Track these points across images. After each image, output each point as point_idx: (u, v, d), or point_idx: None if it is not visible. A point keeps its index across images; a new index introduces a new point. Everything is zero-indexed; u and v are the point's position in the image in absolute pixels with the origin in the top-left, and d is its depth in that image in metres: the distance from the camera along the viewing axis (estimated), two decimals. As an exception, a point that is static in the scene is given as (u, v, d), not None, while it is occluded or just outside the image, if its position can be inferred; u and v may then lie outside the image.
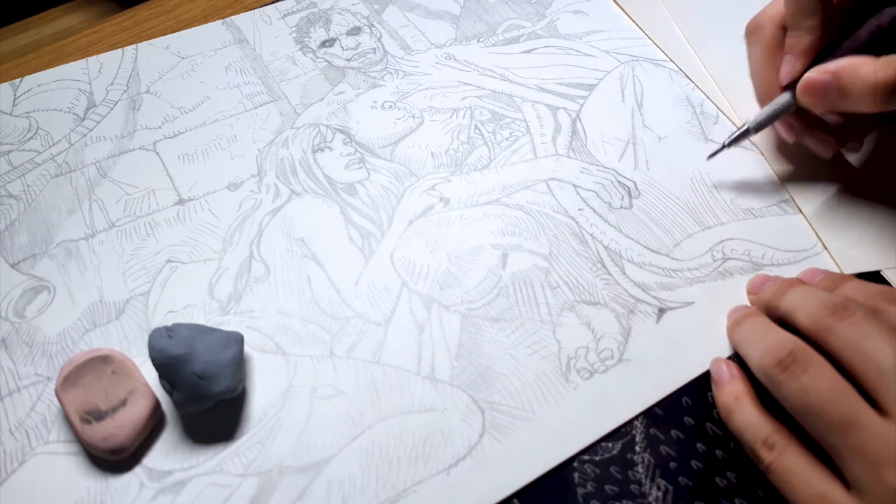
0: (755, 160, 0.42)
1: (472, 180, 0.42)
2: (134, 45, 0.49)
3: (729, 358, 0.34)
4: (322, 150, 0.43)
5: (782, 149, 0.42)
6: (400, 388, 0.33)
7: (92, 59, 0.48)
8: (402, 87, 0.47)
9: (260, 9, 0.52)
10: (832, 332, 0.29)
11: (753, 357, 0.31)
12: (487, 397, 0.33)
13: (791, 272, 0.37)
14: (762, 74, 0.40)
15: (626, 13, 0.52)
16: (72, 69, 0.47)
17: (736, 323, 0.34)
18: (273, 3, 0.53)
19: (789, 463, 0.28)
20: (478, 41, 0.51)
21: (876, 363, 0.27)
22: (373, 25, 0.52)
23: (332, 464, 0.31)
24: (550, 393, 0.33)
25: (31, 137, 0.43)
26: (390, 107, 0.46)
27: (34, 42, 0.53)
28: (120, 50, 0.49)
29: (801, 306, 0.31)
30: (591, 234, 0.39)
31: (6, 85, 0.46)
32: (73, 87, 0.46)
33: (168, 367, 0.30)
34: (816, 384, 0.27)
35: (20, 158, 0.42)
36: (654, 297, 0.36)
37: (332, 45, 0.50)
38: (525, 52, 0.50)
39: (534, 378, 0.33)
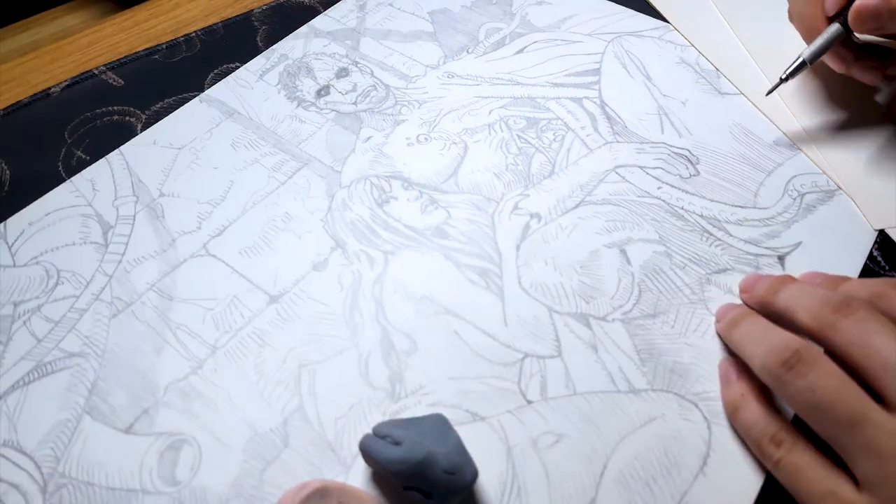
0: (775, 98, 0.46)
1: (548, 189, 0.41)
2: (117, 150, 0.43)
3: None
4: (388, 202, 0.41)
5: (811, 103, 0.45)
6: (611, 410, 0.32)
7: (76, 178, 0.41)
8: (424, 116, 0.45)
9: (231, 75, 0.48)
10: (835, 329, 0.28)
11: (756, 357, 0.30)
12: (692, 389, 0.33)
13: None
14: (806, 10, 0.41)
15: None
16: (60, 195, 0.40)
17: (733, 323, 0.33)
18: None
19: (798, 460, 0.28)
20: (467, 52, 0.50)
21: (882, 359, 0.27)
22: (357, 62, 0.49)
23: (591, 507, 0.30)
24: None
25: (57, 283, 0.37)
26: (426, 139, 0.44)
27: (34, 42, 0.52)
28: (103, 160, 0.42)
29: (801, 304, 0.30)
30: (682, 208, 0.40)
31: (-11, 234, 0.39)
32: (73, 213, 0.40)
33: (416, 475, 0.27)
34: (823, 382, 0.27)
35: (57, 310, 0.36)
36: (767, 248, 0.38)
37: (328, 93, 0.47)
38: (517, 52, 0.50)
39: (718, 358, 0.34)
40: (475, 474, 0.28)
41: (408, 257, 0.38)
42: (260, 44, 0.50)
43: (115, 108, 0.45)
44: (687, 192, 0.41)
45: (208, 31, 0.50)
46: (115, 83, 0.47)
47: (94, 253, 0.38)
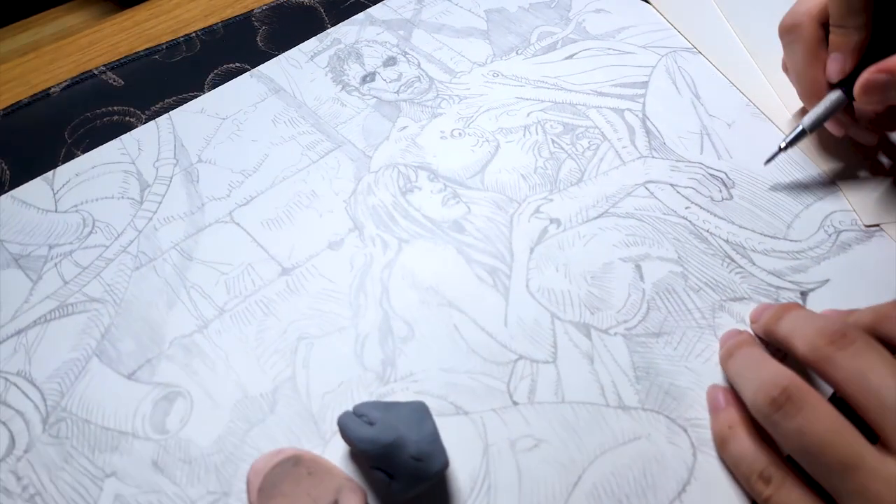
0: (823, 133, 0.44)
1: (572, 196, 0.41)
2: (167, 115, 0.45)
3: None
4: (411, 191, 0.41)
5: (826, 147, 0.43)
6: (596, 423, 0.32)
7: (125, 136, 0.44)
8: (462, 112, 0.46)
9: (284, 54, 0.49)
10: (832, 363, 0.27)
11: (747, 393, 0.29)
12: (683, 414, 0.32)
13: (899, 234, 0.39)
14: (807, 73, 0.40)
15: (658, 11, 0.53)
16: (108, 151, 0.43)
17: (728, 353, 0.32)
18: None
19: (787, 499, 0.27)
20: (517, 53, 0.50)
21: (880, 399, 0.26)
22: (406, 53, 0.50)
23: (560, 517, 0.29)
24: (739, 396, 0.33)
25: (91, 232, 0.39)
26: (460, 135, 0.44)
27: (34, 42, 0.52)
28: (153, 122, 0.44)
29: (798, 333, 0.29)
30: (707, 231, 0.39)
31: (39, 181, 0.41)
32: (116, 169, 0.42)
33: (384, 457, 0.28)
34: (812, 425, 0.26)
35: (86, 257, 0.38)
36: (790, 282, 0.37)
37: (373, 80, 0.48)
38: (567, 58, 0.50)
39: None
40: (444, 465, 0.29)
41: (421, 247, 0.38)
42: (260, 44, 0.50)
43: (115, 108, 0.45)
44: (715, 216, 0.40)
45: (208, 31, 0.50)
46: (115, 83, 0.47)
47: (129, 208, 0.40)
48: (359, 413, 0.29)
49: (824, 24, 0.38)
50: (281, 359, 0.34)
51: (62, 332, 0.35)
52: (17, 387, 0.33)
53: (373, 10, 0.53)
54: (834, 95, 0.39)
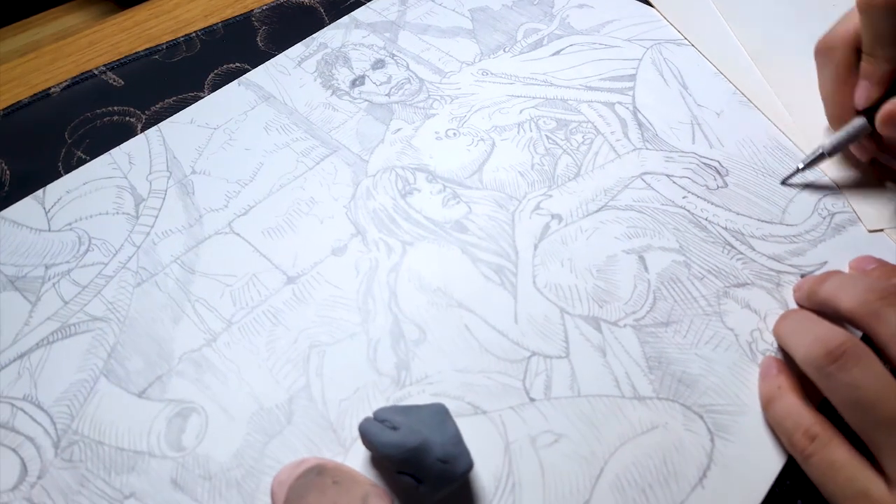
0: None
1: (571, 191, 0.41)
2: (156, 127, 0.44)
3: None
4: (410, 193, 0.41)
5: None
6: (614, 415, 0.32)
7: (115, 151, 0.43)
8: (455, 112, 0.46)
9: (270, 61, 0.49)
10: (879, 318, 0.28)
11: (800, 348, 0.30)
12: (698, 401, 0.33)
13: (890, 213, 0.40)
14: (835, 96, 0.40)
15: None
16: (98, 167, 0.42)
17: (781, 318, 0.34)
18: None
19: (833, 457, 0.28)
20: (504, 51, 0.50)
21: None
22: (394, 55, 0.50)
23: (585, 510, 0.30)
24: (750, 380, 0.33)
25: (88, 250, 0.38)
26: (454, 134, 0.44)
27: (34, 42, 0.52)
28: (142, 135, 0.44)
29: (844, 290, 0.30)
30: (706, 219, 0.40)
31: (30, 200, 0.40)
32: (109, 185, 0.41)
33: (410, 461, 0.28)
34: (867, 379, 0.27)
35: (85, 276, 0.37)
36: (790, 266, 0.38)
37: (363, 84, 0.48)
38: (554, 54, 0.50)
39: (728, 371, 0.34)
40: (469, 466, 0.29)
41: (425, 249, 0.38)
42: (260, 44, 0.50)
43: (115, 108, 0.45)
44: (712, 204, 0.40)
45: (208, 31, 0.50)
46: (115, 83, 0.47)
47: (125, 223, 0.39)
48: (380, 418, 0.29)
49: (858, 50, 0.38)
50: (294, 368, 0.34)
51: (66, 353, 0.34)
52: (25, 412, 0.32)
53: (357, 14, 0.52)
54: (858, 122, 0.39)
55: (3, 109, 0.45)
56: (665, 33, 0.51)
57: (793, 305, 0.36)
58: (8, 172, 0.41)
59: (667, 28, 0.51)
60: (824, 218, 0.40)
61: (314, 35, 0.51)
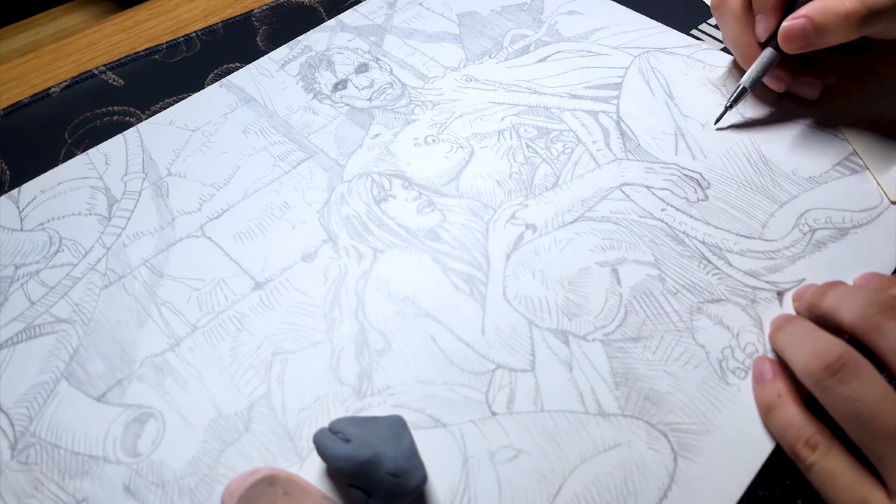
0: (797, 129, 0.44)
1: (548, 201, 0.41)
2: (134, 128, 0.44)
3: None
4: (385, 200, 0.41)
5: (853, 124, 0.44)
6: (576, 431, 0.32)
7: (92, 151, 0.43)
8: (436, 118, 0.45)
9: (253, 63, 0.49)
10: (879, 331, 0.28)
11: (798, 360, 0.30)
12: (663, 419, 0.32)
13: (872, 231, 0.39)
14: (740, 38, 0.43)
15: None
16: (74, 166, 0.42)
17: (778, 327, 0.33)
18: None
19: (833, 465, 0.28)
20: (489, 57, 0.50)
21: None
22: (378, 59, 0.49)
23: (541, 528, 0.29)
24: (718, 400, 0.33)
25: (58, 251, 0.38)
26: (433, 141, 0.44)
27: (34, 42, 0.52)
28: (120, 136, 0.44)
29: (845, 303, 0.30)
30: (683, 233, 0.39)
31: (5, 199, 0.40)
32: (83, 185, 0.41)
33: (360, 474, 0.27)
34: (866, 392, 0.27)
35: (53, 276, 0.37)
36: (767, 282, 0.37)
37: (345, 87, 0.47)
38: (540, 60, 0.49)
39: (696, 389, 0.33)
40: (422, 480, 0.28)
41: (396, 257, 0.38)
42: (260, 44, 0.50)
43: (115, 108, 0.45)
44: (691, 217, 0.40)
45: (208, 31, 0.50)
46: (115, 83, 0.47)
47: (97, 224, 0.39)
48: (334, 430, 0.29)
49: None
50: (255, 375, 0.34)
51: (30, 354, 0.34)
52: (-17, 413, 0.32)
53: (344, 17, 0.52)
54: (766, 53, 0.42)
55: (3, 109, 0.45)
56: (654, 41, 0.50)
57: (766, 323, 0.35)
58: (8, 172, 0.42)
59: (656, 36, 0.51)
60: (805, 234, 0.39)
61: (299, 37, 0.50)
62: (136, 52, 0.49)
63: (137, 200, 0.40)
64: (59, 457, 0.31)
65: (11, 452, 0.31)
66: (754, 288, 0.37)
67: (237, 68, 0.48)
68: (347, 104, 0.46)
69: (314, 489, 0.29)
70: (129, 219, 0.40)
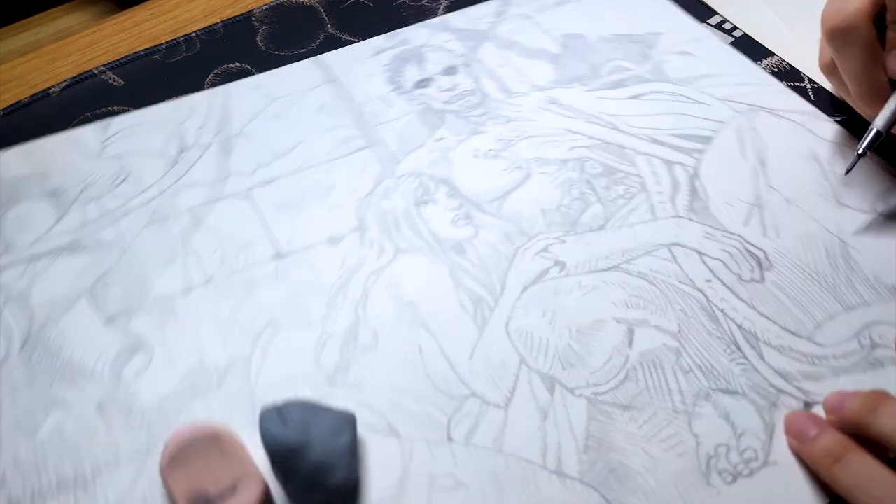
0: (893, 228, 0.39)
1: (588, 242, 0.39)
2: (224, 86, 0.47)
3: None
4: (426, 203, 0.41)
5: None
6: (525, 482, 0.30)
7: (184, 98, 0.46)
8: (505, 134, 0.44)
9: (351, 46, 0.50)
10: None
11: None
12: (621, 499, 0.30)
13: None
14: (867, 75, 0.38)
15: None
16: (162, 110, 0.45)
17: (833, 457, 0.29)
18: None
19: None
20: (581, 84, 0.48)
21: None
22: (469, 65, 0.49)
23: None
24: (691, 497, 0.30)
25: (123, 181, 0.42)
26: (494, 156, 0.43)
27: (34, 42, 0.52)
28: (211, 90, 0.47)
29: None
30: (721, 311, 0.36)
31: (97, 125, 0.44)
32: (165, 128, 0.44)
33: (283, 458, 0.28)
34: None
35: (111, 203, 0.40)
36: (797, 389, 0.33)
37: (427, 86, 0.48)
38: (632, 97, 0.47)
39: (671, 479, 0.30)
40: (344, 481, 0.28)
41: (415, 260, 0.38)
42: (260, 44, 0.50)
43: (115, 107, 0.45)
44: (737, 296, 0.36)
45: (208, 31, 0.50)
46: (115, 83, 0.47)
47: (163, 166, 0.42)
48: (281, 409, 0.29)
49: (877, 23, 0.37)
50: (244, 338, 0.35)
51: (68, 266, 0.38)
52: (9, 313, 0.36)
53: (450, 17, 0.52)
54: None
55: (3, 109, 0.45)
56: (765, 99, 0.46)
57: (780, 431, 0.31)
58: None
59: (769, 95, 0.46)
60: (863, 347, 0.34)
61: (401, 29, 0.51)
62: (136, 52, 0.49)
63: (203, 153, 0.43)
64: (56, 362, 0.34)
65: (22, 345, 0.34)
66: (780, 391, 0.33)
67: (237, 68, 0.48)
68: (423, 103, 0.46)
69: (249, 460, 0.29)
70: (190, 168, 0.42)
